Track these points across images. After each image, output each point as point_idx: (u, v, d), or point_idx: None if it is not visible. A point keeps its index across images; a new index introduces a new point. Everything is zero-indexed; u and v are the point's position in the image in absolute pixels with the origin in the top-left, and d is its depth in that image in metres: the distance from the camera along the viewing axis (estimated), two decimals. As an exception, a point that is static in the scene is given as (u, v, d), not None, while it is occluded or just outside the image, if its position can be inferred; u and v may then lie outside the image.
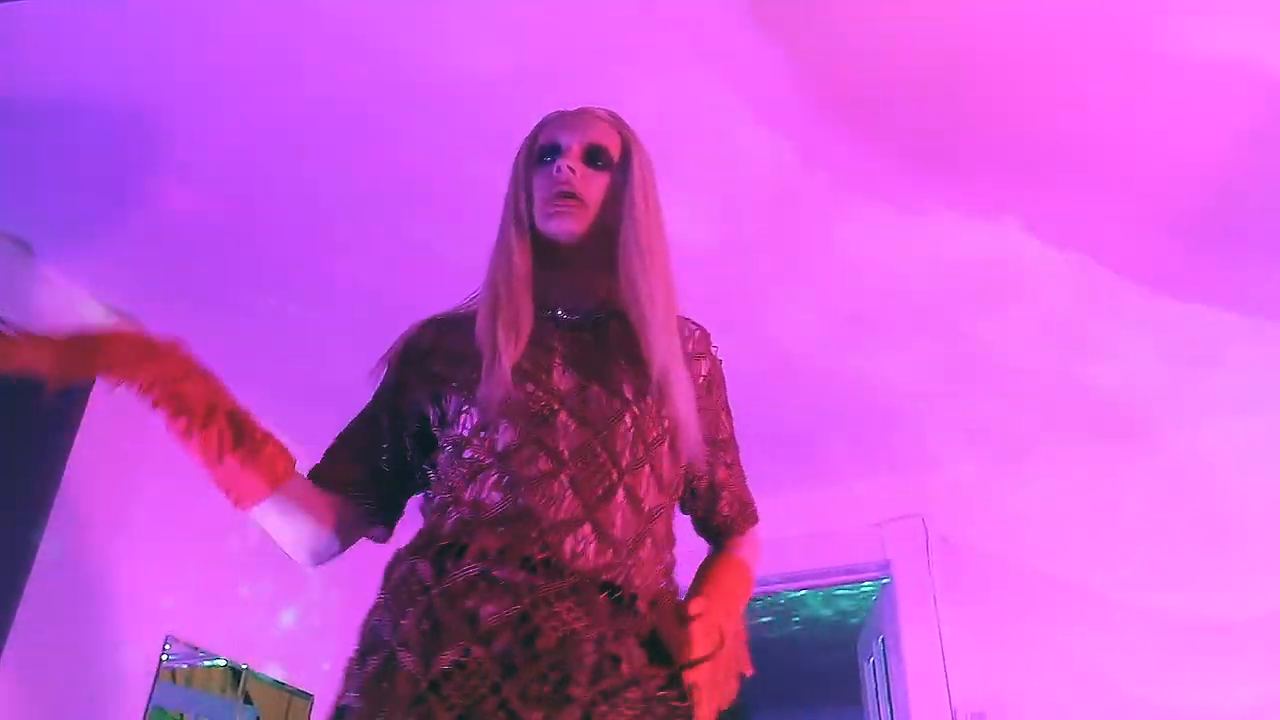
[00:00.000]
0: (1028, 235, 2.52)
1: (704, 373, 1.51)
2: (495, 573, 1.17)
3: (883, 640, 3.76)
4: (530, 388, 1.31)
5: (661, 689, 1.18)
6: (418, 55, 2.07)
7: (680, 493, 1.42)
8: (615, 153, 1.48)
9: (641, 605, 1.22)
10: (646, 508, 1.29)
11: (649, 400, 1.34)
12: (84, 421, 2.51)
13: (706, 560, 1.53)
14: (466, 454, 1.31)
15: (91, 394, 2.53)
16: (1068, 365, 3.03)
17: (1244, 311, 2.76)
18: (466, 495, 1.27)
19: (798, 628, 5.51)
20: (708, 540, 1.59)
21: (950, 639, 3.34)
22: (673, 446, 1.35)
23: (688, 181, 2.37)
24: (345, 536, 1.38)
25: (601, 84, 2.10)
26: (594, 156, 1.46)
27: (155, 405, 1.30)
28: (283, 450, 1.32)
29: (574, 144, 1.46)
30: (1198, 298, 2.72)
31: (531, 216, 1.44)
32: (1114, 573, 3.22)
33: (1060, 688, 3.13)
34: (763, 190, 2.41)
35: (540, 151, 1.48)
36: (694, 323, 1.56)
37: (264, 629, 3.30)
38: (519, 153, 1.51)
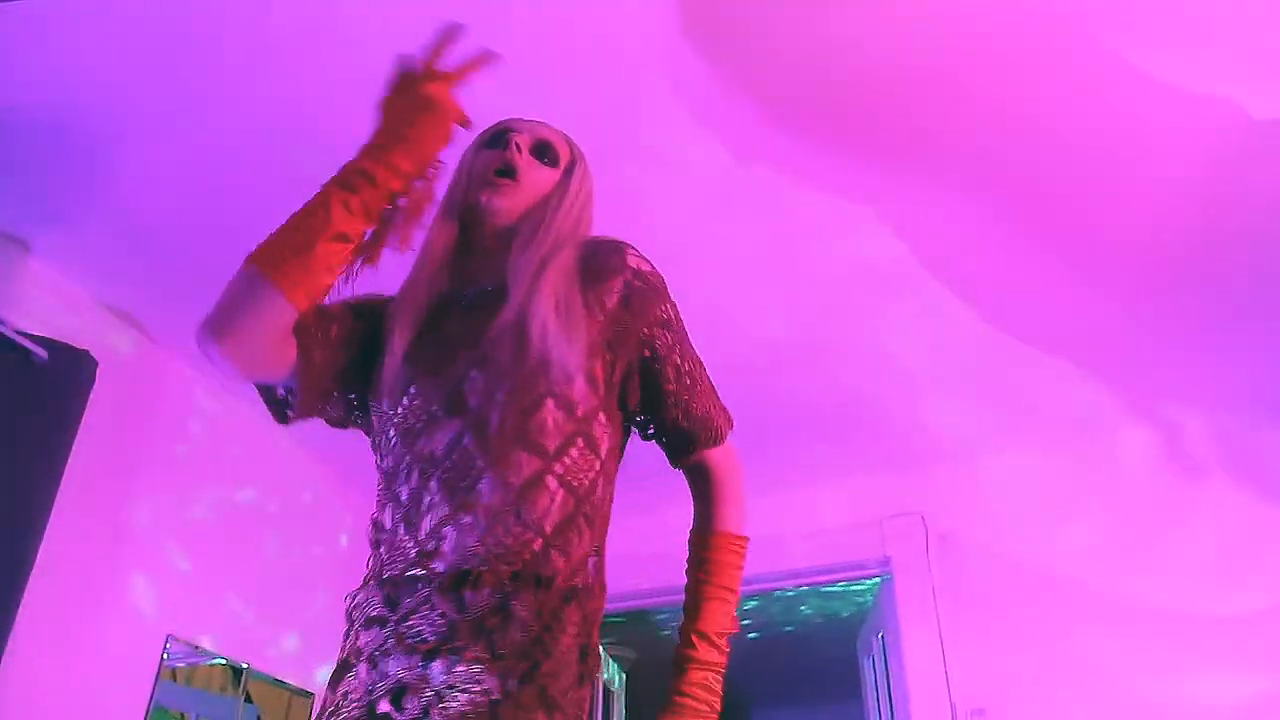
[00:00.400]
0: (1019, 241, 2.53)
1: (617, 290, 1.37)
2: (374, 608, 1.23)
3: (882, 637, 3.77)
4: (413, 391, 1.31)
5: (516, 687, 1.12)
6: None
7: (580, 444, 1.28)
8: (563, 158, 1.50)
9: (486, 596, 1.15)
10: (517, 484, 1.22)
11: (527, 361, 1.26)
12: (85, 420, 2.51)
13: (692, 557, 1.42)
14: (380, 466, 1.35)
15: (92, 395, 2.53)
16: (1068, 362, 3.03)
17: (1236, 313, 2.77)
18: (377, 519, 1.32)
19: (798, 624, 5.51)
20: (673, 462, 1.49)
21: (950, 636, 3.35)
22: (561, 403, 1.27)
23: (653, 187, 2.38)
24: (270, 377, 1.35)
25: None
26: (543, 151, 1.48)
27: (389, 187, 1.31)
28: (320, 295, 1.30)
29: (526, 133, 1.48)
30: (1189, 300, 2.73)
31: (467, 196, 1.44)
32: (1114, 569, 3.23)
33: (1060, 684, 3.14)
34: (733, 187, 2.42)
35: (492, 138, 1.49)
36: (609, 240, 1.44)
37: (265, 628, 3.31)
38: (469, 145, 1.52)
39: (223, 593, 3.16)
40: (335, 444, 3.53)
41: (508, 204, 1.41)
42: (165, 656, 2.88)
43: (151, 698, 2.81)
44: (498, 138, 1.48)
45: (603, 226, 1.52)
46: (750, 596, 4.37)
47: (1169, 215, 2.44)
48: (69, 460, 2.47)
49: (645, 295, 1.39)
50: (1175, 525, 3.22)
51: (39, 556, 2.36)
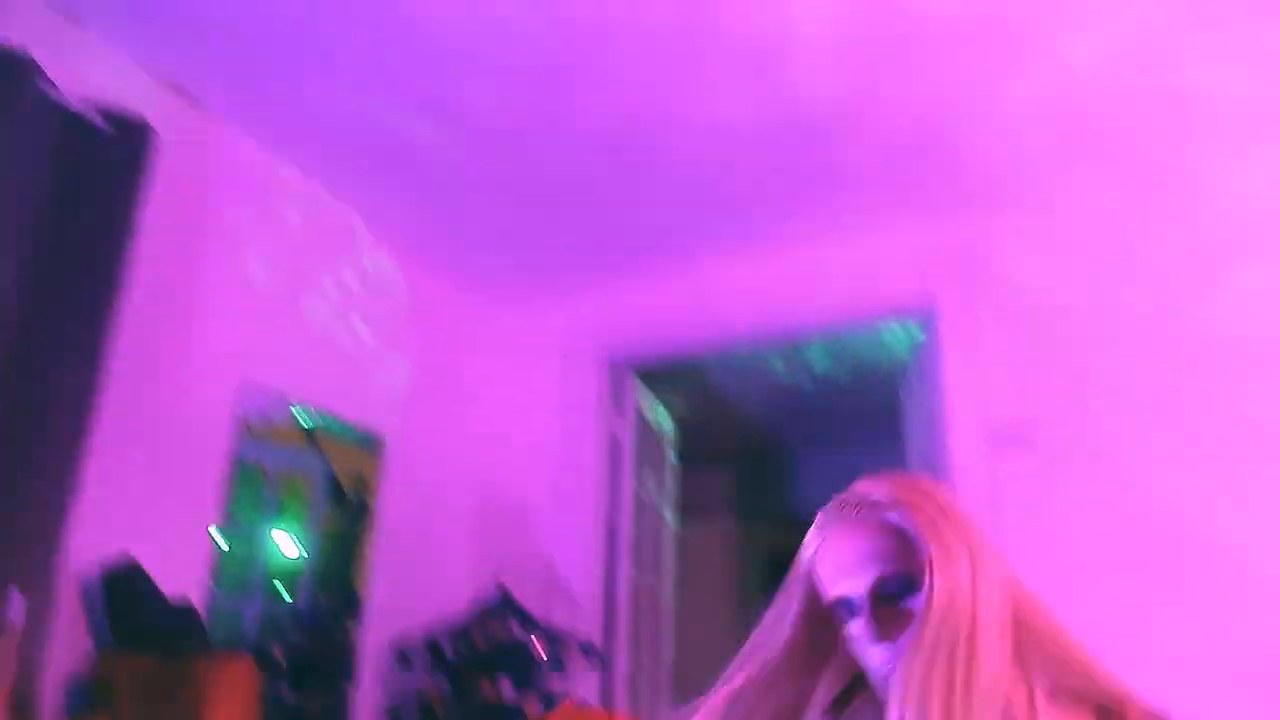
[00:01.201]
0: None
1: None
2: None
3: (924, 374, 3.86)
4: None
5: None
6: None
7: None
8: (910, 566, 1.11)
9: None
10: None
11: None
12: (147, 189, 2.55)
13: None
14: None
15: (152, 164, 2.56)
16: (1138, 81, 2.97)
17: None
18: None
19: (841, 367, 5.56)
20: None
21: (994, 372, 3.45)
22: None
23: None
24: None
25: None
26: (884, 589, 1.13)
27: None
28: None
29: (860, 589, 1.14)
30: None
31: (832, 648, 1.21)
32: (1164, 305, 3.26)
33: (1104, 409, 3.25)
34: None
35: (831, 606, 1.19)
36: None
37: (332, 376, 3.51)
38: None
39: (289, 343, 3.33)
40: (373, 189, 3.57)
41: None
42: (243, 413, 3.06)
43: (232, 450, 3.01)
44: (839, 609, 1.17)
45: None
46: (792, 339, 4.45)
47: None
48: (138, 225, 2.54)
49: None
50: (1236, 256, 3.23)
51: (117, 314, 2.47)
